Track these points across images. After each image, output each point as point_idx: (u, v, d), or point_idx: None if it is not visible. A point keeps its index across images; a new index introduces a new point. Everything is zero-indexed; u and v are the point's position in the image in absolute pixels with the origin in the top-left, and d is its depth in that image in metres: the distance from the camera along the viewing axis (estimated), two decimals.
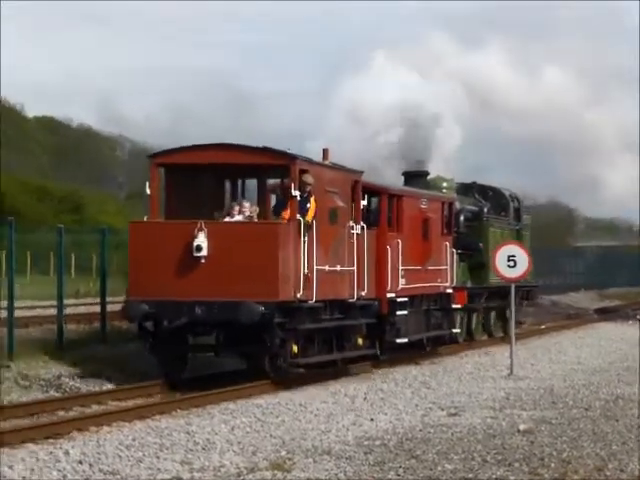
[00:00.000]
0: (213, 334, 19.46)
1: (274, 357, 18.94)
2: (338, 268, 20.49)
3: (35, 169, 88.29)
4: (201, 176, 20.64)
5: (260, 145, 19.97)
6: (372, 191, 23.70)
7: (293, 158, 18.93)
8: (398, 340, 23.85)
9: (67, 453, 14.96)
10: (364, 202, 22.33)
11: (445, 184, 30.19)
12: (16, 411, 18.13)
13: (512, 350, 25.61)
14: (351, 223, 21.48)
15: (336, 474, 14.13)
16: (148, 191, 19.70)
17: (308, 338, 20.46)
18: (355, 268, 21.41)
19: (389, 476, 13.99)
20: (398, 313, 23.51)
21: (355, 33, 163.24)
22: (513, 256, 25.23)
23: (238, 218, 19.46)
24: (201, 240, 17.48)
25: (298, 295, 18.55)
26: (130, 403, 20.37)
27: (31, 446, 15.59)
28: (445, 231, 27.55)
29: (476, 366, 27.86)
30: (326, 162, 21.94)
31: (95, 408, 19.96)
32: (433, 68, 47.19)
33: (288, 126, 65.80)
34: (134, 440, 16.09)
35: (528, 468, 14.47)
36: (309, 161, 20.02)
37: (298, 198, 19.01)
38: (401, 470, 14.44)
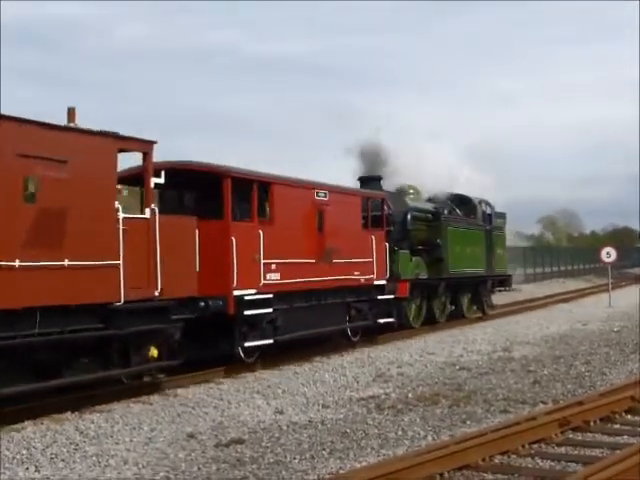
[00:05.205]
0: None
1: None
2: (66, 263, 10.52)
3: None
4: None
5: None
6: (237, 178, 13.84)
7: None
8: (247, 343, 13.96)
9: (409, 348, 17.20)
10: (159, 180, 12.11)
11: (412, 191, 22.98)
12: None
13: (610, 295, 29.71)
14: (117, 205, 11.25)
15: (530, 352, 15.91)
16: None
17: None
18: (121, 262, 11.26)
19: (556, 352, 15.75)
20: (247, 313, 13.78)
21: None
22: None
23: None
24: None
25: None
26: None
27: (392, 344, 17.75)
28: (372, 226, 18.25)
29: (593, 302, 30.97)
30: (72, 124, 11.07)
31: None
32: None
33: None
34: (441, 339, 18.66)
35: (619, 347, 16.36)
36: None
37: None
38: (561, 348, 16.48)
